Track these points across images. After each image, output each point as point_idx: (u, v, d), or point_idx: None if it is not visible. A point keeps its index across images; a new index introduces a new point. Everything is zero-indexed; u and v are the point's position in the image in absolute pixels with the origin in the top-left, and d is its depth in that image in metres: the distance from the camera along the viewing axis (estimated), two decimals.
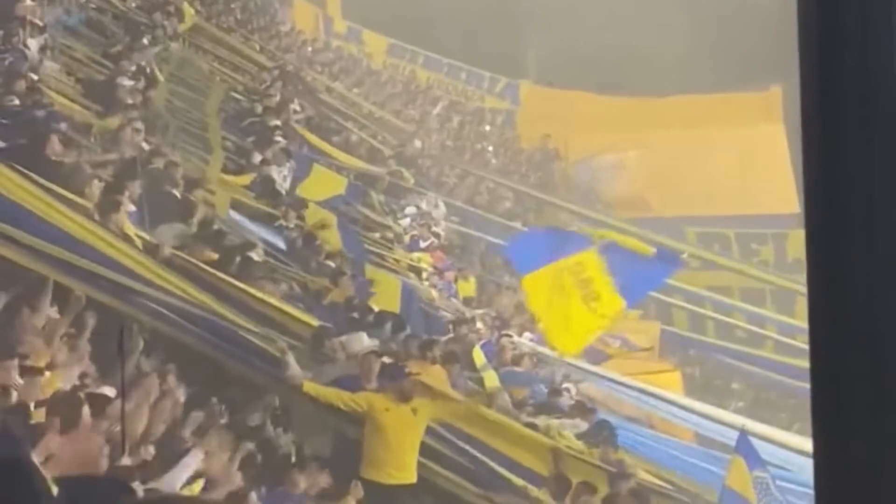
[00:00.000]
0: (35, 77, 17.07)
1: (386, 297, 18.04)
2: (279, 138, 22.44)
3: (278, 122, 23.67)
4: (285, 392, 13.35)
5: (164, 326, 12.91)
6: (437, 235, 25.27)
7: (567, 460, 14.54)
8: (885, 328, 2.58)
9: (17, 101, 16.08)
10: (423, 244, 24.45)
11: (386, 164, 28.20)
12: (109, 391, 10.08)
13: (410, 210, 25.81)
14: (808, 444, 3.26)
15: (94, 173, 14.70)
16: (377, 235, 23.69)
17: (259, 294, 14.27)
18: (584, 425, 16.98)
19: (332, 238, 19.95)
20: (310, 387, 13.08)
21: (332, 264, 18.36)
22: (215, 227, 16.40)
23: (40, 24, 18.58)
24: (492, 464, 14.18)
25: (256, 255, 16.11)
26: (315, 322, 14.51)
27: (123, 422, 8.99)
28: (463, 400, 14.65)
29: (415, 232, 24.72)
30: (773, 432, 17.57)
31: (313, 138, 25.16)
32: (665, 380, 22.28)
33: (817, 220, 2.61)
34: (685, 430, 20.29)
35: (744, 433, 15.52)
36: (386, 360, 14.12)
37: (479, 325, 21.11)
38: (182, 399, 11.67)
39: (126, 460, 9.15)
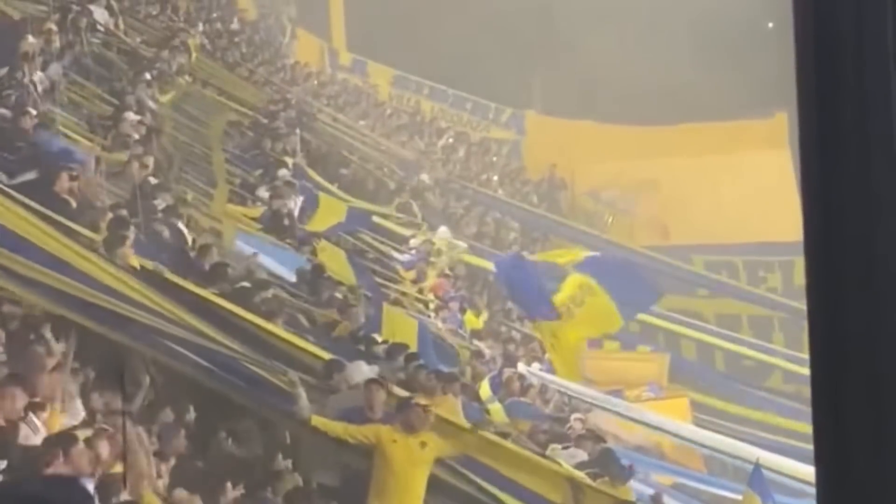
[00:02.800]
0: (38, 112, 17.11)
1: (402, 334, 17.91)
2: (285, 171, 22.46)
3: (285, 156, 23.69)
4: (293, 425, 13.29)
5: (169, 360, 12.87)
6: (441, 267, 25.22)
7: (585, 492, 14.42)
8: (885, 350, 2.57)
9: (23, 137, 16.11)
10: (428, 276, 24.41)
11: (392, 196, 28.19)
12: (110, 426, 10.04)
13: (416, 242, 25.77)
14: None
15: (103, 208, 14.72)
16: (383, 268, 23.67)
17: (268, 326, 14.21)
18: (590, 455, 16.90)
19: (345, 273, 19.86)
20: (318, 421, 13.00)
21: (342, 296, 18.27)
22: (222, 259, 16.38)
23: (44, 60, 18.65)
24: (504, 494, 14.08)
25: (265, 289, 16.08)
26: (326, 355, 14.42)
27: (126, 457, 8.95)
28: (472, 429, 14.53)
29: (421, 264, 24.67)
30: (783, 461, 17.46)
31: (315, 174, 25.13)
32: (674, 406, 22.23)
33: (816, 242, 2.61)
34: (695, 458, 20.21)
35: (758, 467, 15.21)
36: (395, 391, 14.04)
37: (487, 355, 21.08)
38: (186, 433, 11.64)
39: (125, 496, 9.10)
